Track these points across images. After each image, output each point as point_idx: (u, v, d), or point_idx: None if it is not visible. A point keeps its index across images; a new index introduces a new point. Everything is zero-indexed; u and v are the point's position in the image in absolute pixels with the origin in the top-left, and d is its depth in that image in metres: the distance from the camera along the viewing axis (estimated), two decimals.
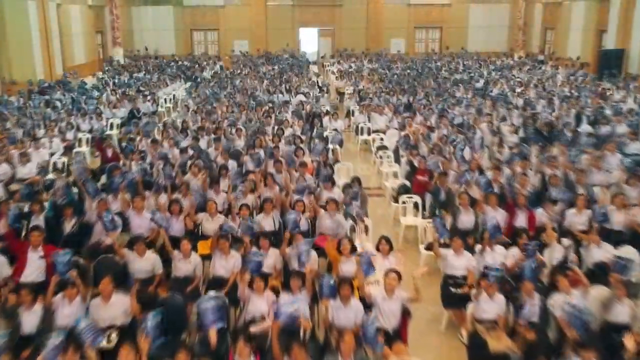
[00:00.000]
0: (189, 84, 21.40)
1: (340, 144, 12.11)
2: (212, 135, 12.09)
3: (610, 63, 21.09)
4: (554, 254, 6.69)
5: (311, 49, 31.31)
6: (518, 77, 20.57)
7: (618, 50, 21.12)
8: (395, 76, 21.00)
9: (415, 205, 8.95)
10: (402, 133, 12.16)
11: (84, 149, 13.35)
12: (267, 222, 7.65)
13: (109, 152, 11.26)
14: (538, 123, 12.89)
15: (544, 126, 12.52)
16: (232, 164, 10.33)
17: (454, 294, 6.33)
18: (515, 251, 6.58)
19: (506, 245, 6.84)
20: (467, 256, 6.52)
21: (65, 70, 22.47)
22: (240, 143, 11.98)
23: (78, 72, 23.74)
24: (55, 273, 5.70)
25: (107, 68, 24.71)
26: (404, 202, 9.02)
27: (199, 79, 22.29)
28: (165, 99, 18.80)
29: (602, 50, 22.33)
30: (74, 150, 13.20)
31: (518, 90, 17.83)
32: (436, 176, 8.74)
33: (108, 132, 14.63)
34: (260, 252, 6.09)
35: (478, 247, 6.76)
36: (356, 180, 8.63)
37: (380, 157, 11.84)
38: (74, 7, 25.14)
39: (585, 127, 12.93)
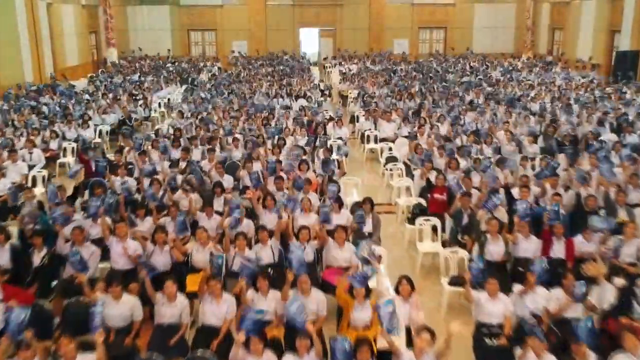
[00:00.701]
0: (185, 86, 20.35)
1: (346, 155, 11.04)
2: (207, 146, 11.04)
3: (625, 65, 20.01)
4: (604, 295, 5.65)
5: (312, 49, 30.24)
6: (529, 80, 19.51)
7: (634, 52, 20.03)
8: (401, 79, 19.91)
9: (434, 228, 7.88)
10: (413, 143, 11.07)
11: (69, 159, 12.28)
12: (265, 253, 6.60)
13: (94, 165, 10.15)
14: (559, 132, 11.83)
15: (566, 136, 11.46)
16: (228, 180, 9.30)
17: (490, 347, 5.28)
18: (559, 293, 5.53)
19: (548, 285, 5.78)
20: (504, 300, 5.48)
21: (57, 72, 21.36)
22: (237, 154, 10.95)
23: (70, 74, 22.70)
24: (7, 333, 4.64)
25: (101, 70, 23.57)
26: (420, 225, 7.95)
27: (195, 82, 21.23)
28: (159, 103, 17.74)
29: (618, 52, 21.22)
30: (58, 162, 12.17)
31: (531, 93, 16.78)
32: (458, 197, 7.66)
33: (97, 140, 13.57)
34: (260, 310, 4.97)
35: (517, 287, 5.70)
36: (368, 201, 7.57)
37: (390, 170, 10.77)
38: (66, 6, 24.04)
39: (609, 136, 11.85)
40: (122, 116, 14.86)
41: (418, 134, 11.75)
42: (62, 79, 19.71)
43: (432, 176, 8.85)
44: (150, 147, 10.90)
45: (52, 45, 22.02)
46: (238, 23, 28.78)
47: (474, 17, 29.11)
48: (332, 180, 9.12)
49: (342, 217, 7.46)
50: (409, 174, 10.41)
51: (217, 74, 22.84)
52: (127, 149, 10.94)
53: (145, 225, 7.43)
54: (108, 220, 7.09)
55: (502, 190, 8.19)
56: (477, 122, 12.98)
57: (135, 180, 9.12)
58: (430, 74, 20.70)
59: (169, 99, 18.44)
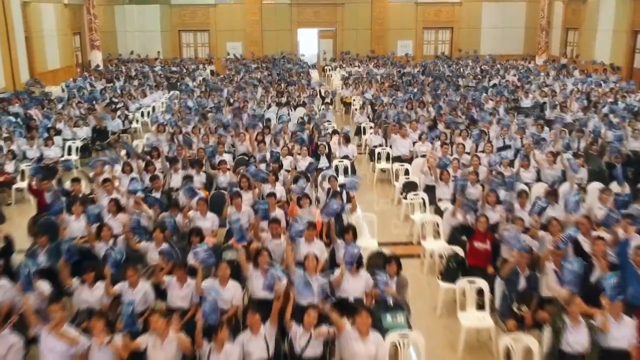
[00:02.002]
0: (172, 92, 18.35)
1: (356, 188, 8.95)
2: (189, 170, 9.08)
3: None
4: None
5: (311, 51, 28.25)
6: (550, 85, 17.56)
7: None
8: (409, 84, 17.93)
9: (480, 291, 5.92)
10: (431, 158, 9.09)
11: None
12: (256, 345, 4.64)
13: (49, 197, 8.09)
14: (607, 151, 9.89)
15: (617, 156, 9.50)
16: (212, 219, 7.32)
17: None
18: None
19: None
20: None
21: (33, 77, 19.32)
22: (223, 179, 8.98)
23: (50, 79, 20.72)
24: None
25: (82, 74, 21.49)
26: (462, 287, 5.97)
27: (184, 87, 19.20)
28: (143, 112, 15.73)
29: None
30: (14, 187, 10.16)
31: (555, 101, 14.86)
32: (515, 254, 5.67)
33: (66, 157, 11.59)
34: None
35: None
36: (394, 262, 5.61)
37: (409, 198, 8.78)
38: (46, 5, 21.97)
39: None
40: (97, 127, 12.88)
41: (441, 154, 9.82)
42: (35, 85, 17.61)
43: (470, 216, 6.89)
44: (120, 173, 8.94)
45: (29, 48, 19.96)
46: (232, 23, 26.80)
47: (482, 17, 27.17)
48: (340, 217, 7.20)
49: (359, 282, 5.51)
50: (434, 205, 8.46)
51: (208, 78, 20.77)
52: (93, 172, 8.94)
53: (95, 294, 5.45)
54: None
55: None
56: (504, 137, 11.04)
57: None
58: (440, 79, 18.71)
59: (153, 108, 16.44)
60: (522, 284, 5.58)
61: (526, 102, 15.43)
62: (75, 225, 7.02)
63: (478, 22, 27.21)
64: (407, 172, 10.01)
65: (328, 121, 13.72)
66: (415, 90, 16.56)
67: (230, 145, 10.87)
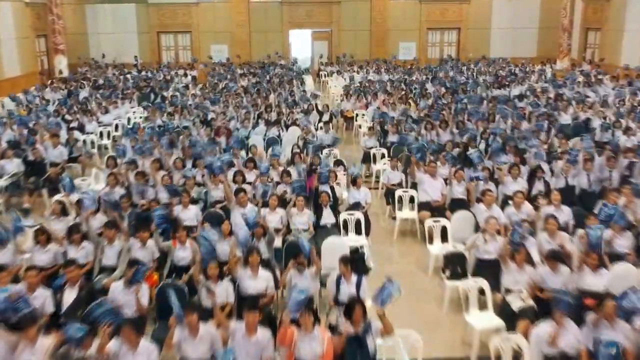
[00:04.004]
0: (144, 104, 15.27)
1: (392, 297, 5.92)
2: (129, 241, 6.11)
3: None
4: None
5: (304, 54, 25.22)
6: (588, 96, 14.67)
7: None
8: (421, 95, 14.96)
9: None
10: (490, 226, 6.12)
11: None
12: None
13: None
14: None
15: None
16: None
17: None
18: None
19: None
20: None
21: None
22: (186, 255, 6.02)
23: (9, 87, 17.57)
24: None
25: (36, 85, 18.15)
26: None
27: (158, 98, 16.14)
28: (100, 133, 12.67)
29: None
30: None
31: (605, 118, 11.99)
32: None
33: None
34: None
35: None
36: None
37: (457, 285, 5.82)
38: (4, 4, 18.86)
39: None
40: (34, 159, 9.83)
41: (484, 202, 6.88)
42: None
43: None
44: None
45: None
46: (217, 24, 23.73)
47: (492, 17, 24.25)
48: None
49: None
50: (493, 285, 5.51)
51: (179, 89, 17.49)
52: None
53: None
54: None
55: None
56: (566, 175, 8.13)
57: None
58: (456, 89, 15.75)
59: (117, 125, 13.37)
60: None
61: (565, 118, 12.52)
62: None
63: (487, 22, 24.29)
64: (444, 232, 7.02)
65: (328, 145, 10.79)
66: (429, 102, 13.62)
67: (200, 190, 7.87)
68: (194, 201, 7.60)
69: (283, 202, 7.31)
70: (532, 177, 8.18)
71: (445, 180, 8.12)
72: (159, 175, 8.13)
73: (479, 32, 24.27)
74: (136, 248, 6.03)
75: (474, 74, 19.35)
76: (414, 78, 18.87)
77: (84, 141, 11.85)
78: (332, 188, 7.54)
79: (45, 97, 15.28)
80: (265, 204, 7.14)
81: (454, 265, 6.09)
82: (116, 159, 8.90)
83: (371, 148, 10.78)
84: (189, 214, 7.03)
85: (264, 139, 11.18)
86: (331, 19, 24.02)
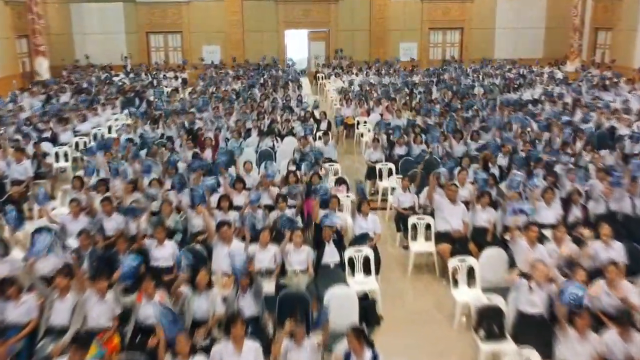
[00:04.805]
0: (127, 110, 13.95)
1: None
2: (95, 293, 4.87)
3: None
4: None
5: (300, 55, 23.92)
6: (611, 101, 13.45)
7: None
8: (428, 100, 13.70)
9: None
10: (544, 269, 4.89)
11: None
12: None
13: None
14: None
15: None
16: None
17: None
18: None
19: None
20: None
21: None
22: (148, 313, 4.76)
23: None
24: None
25: (13, 91, 16.75)
26: None
27: (144, 103, 14.86)
28: (76, 143, 11.38)
29: None
30: None
31: (630, 125, 10.79)
32: None
33: None
34: None
35: None
36: None
37: (496, 351, 4.59)
38: None
39: None
40: None
41: (527, 238, 5.63)
42: None
43: None
44: None
45: None
46: (209, 24, 22.43)
47: (496, 16, 23.04)
48: None
49: None
50: (545, 354, 4.29)
51: (158, 95, 16.11)
52: None
53: None
54: None
55: None
56: (607, 199, 6.91)
57: None
58: (467, 93, 14.52)
59: (95, 135, 12.07)
60: None
61: (588, 128, 11.29)
62: None
63: (492, 21, 23.09)
64: (471, 272, 5.78)
65: (328, 160, 9.55)
66: (438, 109, 12.36)
67: (177, 219, 6.59)
68: (171, 233, 6.35)
69: (277, 235, 6.06)
70: (567, 202, 6.97)
71: (465, 203, 6.89)
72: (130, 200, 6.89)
73: (482, 32, 23.06)
74: (93, 302, 4.78)
75: (481, 76, 18.10)
76: (416, 81, 17.63)
77: (56, 154, 10.57)
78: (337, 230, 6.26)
79: (19, 104, 13.88)
80: (255, 237, 5.90)
81: (489, 322, 4.85)
82: (83, 179, 7.62)
83: (376, 162, 9.52)
84: (164, 253, 5.77)
85: (257, 151, 9.95)
86: (329, 18, 22.76)
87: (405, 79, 17.70)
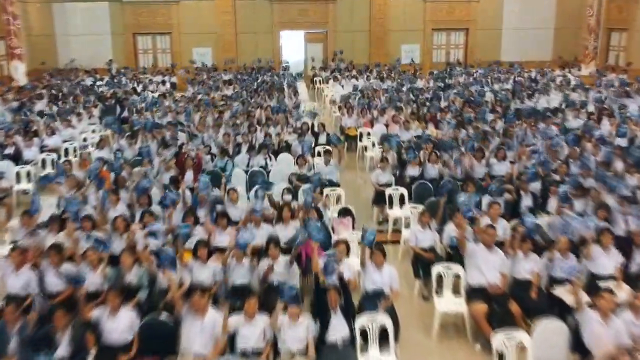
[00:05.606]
0: (107, 119, 12.47)
1: None
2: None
3: None
4: None
5: (296, 57, 22.48)
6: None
7: None
8: (436, 108, 12.29)
9: None
10: None
11: None
12: None
13: None
14: None
15: None
16: None
17: None
18: None
19: None
20: None
21: None
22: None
23: None
24: None
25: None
26: None
27: (125, 112, 13.45)
28: (43, 160, 9.94)
29: None
30: None
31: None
32: None
33: None
34: None
35: None
36: None
37: None
38: None
39: None
40: None
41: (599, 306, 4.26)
42: None
43: None
44: None
45: None
46: (200, 24, 20.94)
47: (503, 17, 21.66)
48: None
49: None
50: None
51: (168, 94, 14.91)
52: None
53: None
54: None
55: None
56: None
57: None
58: (479, 101, 13.15)
59: (67, 149, 10.63)
60: None
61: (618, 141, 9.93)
62: None
63: (498, 22, 21.69)
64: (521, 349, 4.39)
65: (330, 182, 8.16)
66: (453, 121, 10.96)
67: (141, 274, 5.18)
68: (131, 292, 4.95)
69: (267, 302, 4.66)
70: (625, 243, 5.60)
71: (497, 244, 5.51)
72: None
73: (488, 33, 21.65)
74: None
75: (490, 80, 16.72)
76: (420, 86, 16.24)
77: (18, 174, 9.14)
78: (340, 278, 4.86)
79: None
80: (239, 307, 4.50)
81: None
82: (32, 215, 6.20)
83: (385, 185, 8.12)
84: (120, 324, 4.37)
85: (246, 172, 8.55)
86: (326, 18, 21.32)
87: (411, 83, 16.28)
